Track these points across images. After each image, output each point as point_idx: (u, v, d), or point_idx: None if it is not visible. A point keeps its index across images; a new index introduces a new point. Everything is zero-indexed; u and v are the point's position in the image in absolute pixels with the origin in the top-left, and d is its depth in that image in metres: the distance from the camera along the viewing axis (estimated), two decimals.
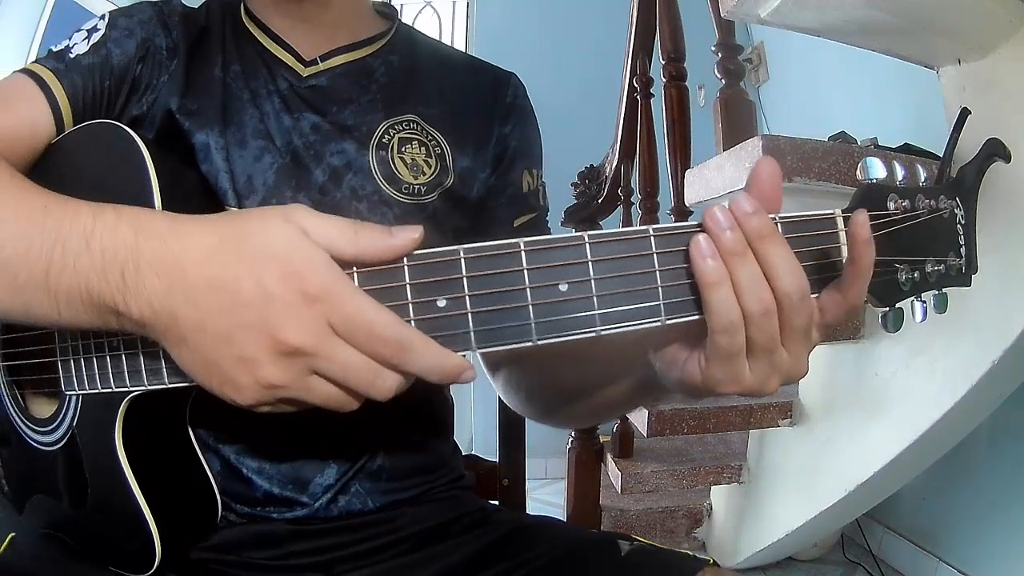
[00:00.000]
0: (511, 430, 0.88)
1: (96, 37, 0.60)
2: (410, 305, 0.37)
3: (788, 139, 1.24)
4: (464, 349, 0.37)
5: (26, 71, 0.58)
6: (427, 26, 3.20)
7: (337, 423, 0.46)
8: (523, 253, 0.36)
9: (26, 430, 0.59)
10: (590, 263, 0.37)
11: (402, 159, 0.63)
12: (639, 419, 1.60)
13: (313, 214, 0.38)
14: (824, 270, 0.39)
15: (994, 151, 0.42)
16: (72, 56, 0.59)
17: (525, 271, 0.36)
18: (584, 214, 2.11)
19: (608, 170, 2.08)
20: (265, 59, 0.64)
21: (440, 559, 0.62)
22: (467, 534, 0.65)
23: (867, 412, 1.39)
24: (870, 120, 2.02)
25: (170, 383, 0.45)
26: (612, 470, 1.84)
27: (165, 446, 0.55)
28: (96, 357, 0.49)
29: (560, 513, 1.92)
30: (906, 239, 0.40)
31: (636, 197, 1.94)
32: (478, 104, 0.69)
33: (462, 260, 0.37)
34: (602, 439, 1.84)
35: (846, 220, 0.39)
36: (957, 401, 1.16)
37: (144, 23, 0.62)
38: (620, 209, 2.11)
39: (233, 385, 0.38)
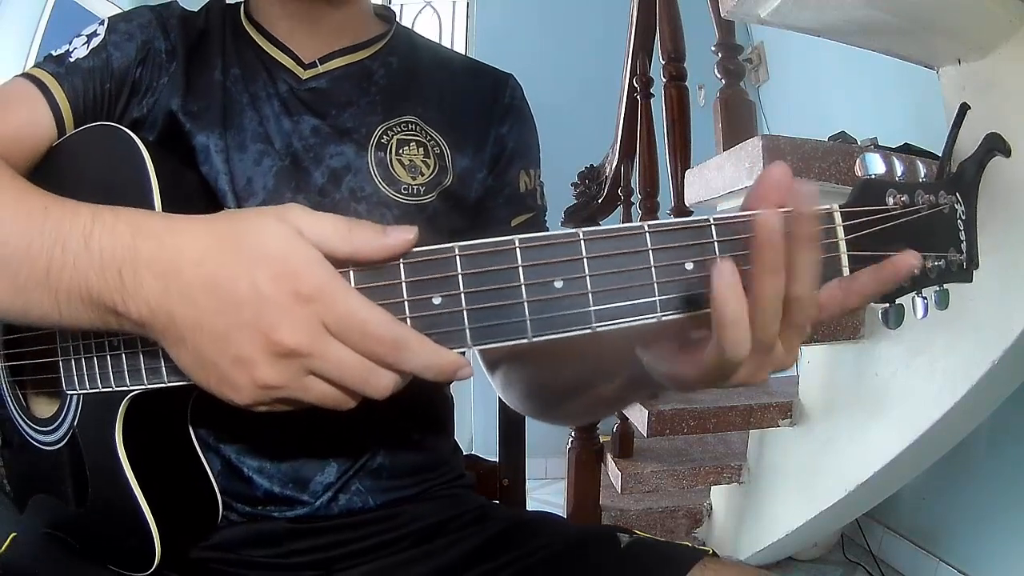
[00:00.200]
0: (511, 430, 0.88)
1: (96, 41, 0.61)
2: (406, 302, 0.37)
3: (788, 139, 1.24)
4: (460, 346, 0.37)
5: (27, 75, 0.59)
6: (427, 26, 3.20)
7: (337, 422, 0.47)
8: (518, 250, 0.36)
9: (27, 430, 0.59)
10: (585, 260, 0.37)
11: (399, 161, 0.63)
12: (639, 419, 1.60)
13: (308, 213, 0.38)
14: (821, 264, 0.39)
15: (994, 145, 0.42)
16: (72, 60, 0.60)
17: (520, 268, 0.36)
18: (584, 214, 2.11)
19: (608, 170, 2.08)
20: (265, 62, 0.65)
21: (440, 554, 0.63)
22: (467, 530, 0.66)
23: (867, 412, 1.39)
24: (870, 120, 2.02)
25: (169, 382, 0.45)
26: (612, 470, 1.84)
27: (166, 445, 0.56)
28: (96, 356, 0.49)
29: (560, 513, 1.92)
30: (906, 234, 0.39)
31: (636, 197, 1.94)
32: (476, 105, 0.69)
33: (457, 257, 0.37)
34: (602, 439, 1.84)
35: (843, 215, 0.39)
36: (957, 401, 1.16)
37: (143, 27, 0.63)
38: (620, 209, 2.11)
39: (230, 385, 0.38)
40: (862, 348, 1.41)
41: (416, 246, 0.38)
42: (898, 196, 0.40)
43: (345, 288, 0.37)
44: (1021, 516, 1.54)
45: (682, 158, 1.67)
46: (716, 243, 0.37)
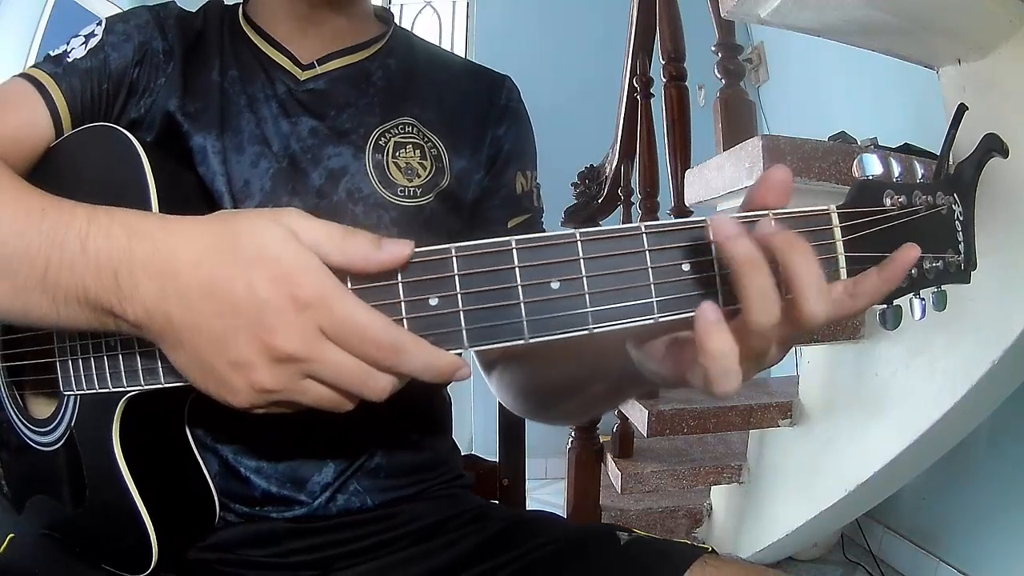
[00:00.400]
0: (511, 430, 0.88)
1: (93, 42, 0.61)
2: (402, 303, 0.37)
3: (788, 139, 1.24)
4: (456, 348, 0.37)
5: (24, 75, 0.59)
6: (427, 26, 3.20)
7: (335, 422, 0.47)
8: (515, 251, 0.36)
9: (25, 431, 0.59)
10: (582, 261, 0.36)
11: (396, 163, 0.63)
12: (639, 419, 1.60)
13: (304, 217, 0.38)
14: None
15: (992, 146, 0.42)
16: (70, 60, 0.60)
17: (517, 269, 0.36)
18: (584, 214, 2.11)
19: (608, 170, 2.08)
20: (262, 63, 0.65)
21: (439, 554, 0.63)
22: (465, 529, 0.66)
23: (867, 412, 1.39)
24: (870, 120, 2.02)
25: (166, 383, 0.45)
26: (612, 470, 1.84)
27: (163, 446, 0.56)
28: (94, 357, 0.49)
29: (560, 513, 1.91)
30: (904, 235, 0.39)
31: (636, 197, 1.94)
32: (473, 107, 0.69)
33: (454, 258, 0.37)
34: (602, 439, 1.84)
35: (841, 216, 0.39)
36: (957, 401, 1.16)
37: (141, 27, 0.63)
38: (620, 209, 2.11)
39: (227, 388, 0.38)
40: (862, 348, 1.40)
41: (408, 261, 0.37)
42: (896, 197, 0.40)
43: (342, 293, 0.36)
44: (1021, 516, 1.54)
45: (682, 158, 1.66)
46: (713, 244, 0.37)
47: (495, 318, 0.37)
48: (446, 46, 3.09)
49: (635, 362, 0.44)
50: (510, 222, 0.69)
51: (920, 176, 0.41)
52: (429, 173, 0.64)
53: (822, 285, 0.35)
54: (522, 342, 0.37)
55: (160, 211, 0.49)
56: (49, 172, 0.57)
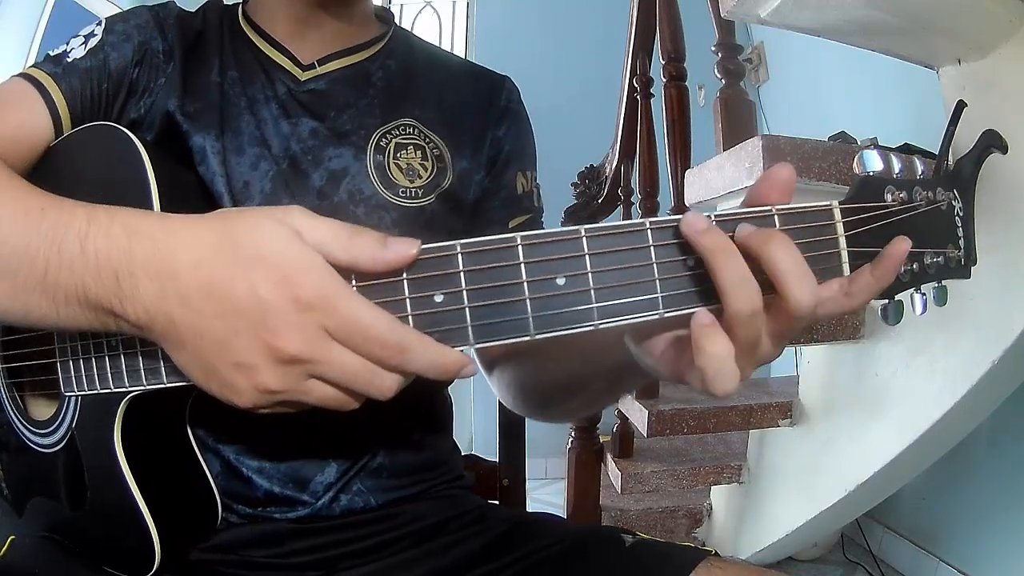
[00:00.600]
0: (511, 430, 0.88)
1: (93, 42, 0.61)
2: (407, 300, 0.37)
3: (788, 139, 1.24)
4: (462, 344, 0.37)
5: (23, 75, 0.59)
6: (427, 26, 3.20)
7: (337, 422, 0.47)
8: (520, 247, 0.36)
9: (26, 432, 0.59)
10: (587, 256, 0.36)
11: (397, 164, 0.63)
12: (639, 419, 1.60)
13: (308, 216, 0.37)
14: (820, 262, 0.39)
15: (991, 142, 0.42)
16: (70, 60, 0.60)
17: (522, 265, 0.36)
18: (584, 214, 2.11)
19: (608, 170, 2.08)
20: (262, 63, 0.65)
21: (442, 554, 0.63)
22: (468, 529, 0.66)
23: (867, 412, 1.39)
24: (870, 120, 2.02)
25: (168, 383, 0.45)
26: (612, 470, 1.84)
27: (164, 447, 0.55)
28: (95, 357, 0.49)
29: (560, 513, 1.92)
30: (904, 231, 0.39)
31: (636, 197, 1.94)
32: (473, 107, 0.69)
33: (459, 255, 0.36)
34: (602, 439, 1.84)
35: (843, 212, 0.39)
36: (957, 401, 1.16)
37: (140, 27, 0.63)
38: (620, 209, 2.11)
39: (231, 389, 0.38)
40: (862, 348, 1.41)
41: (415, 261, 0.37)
42: (896, 193, 0.40)
43: (347, 292, 0.36)
44: (1021, 516, 1.54)
45: (682, 158, 1.66)
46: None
47: (501, 314, 0.36)
48: (446, 46, 3.09)
49: (634, 356, 0.44)
50: (511, 222, 0.69)
51: (920, 172, 0.41)
52: (431, 174, 0.64)
53: (804, 272, 0.36)
54: (528, 338, 0.36)
55: (162, 210, 0.48)
56: (49, 171, 0.57)
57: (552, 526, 0.65)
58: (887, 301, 0.41)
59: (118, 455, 0.50)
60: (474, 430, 2.62)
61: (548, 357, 0.60)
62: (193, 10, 0.67)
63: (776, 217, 0.38)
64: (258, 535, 0.61)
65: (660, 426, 1.55)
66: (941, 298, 0.42)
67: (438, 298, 0.37)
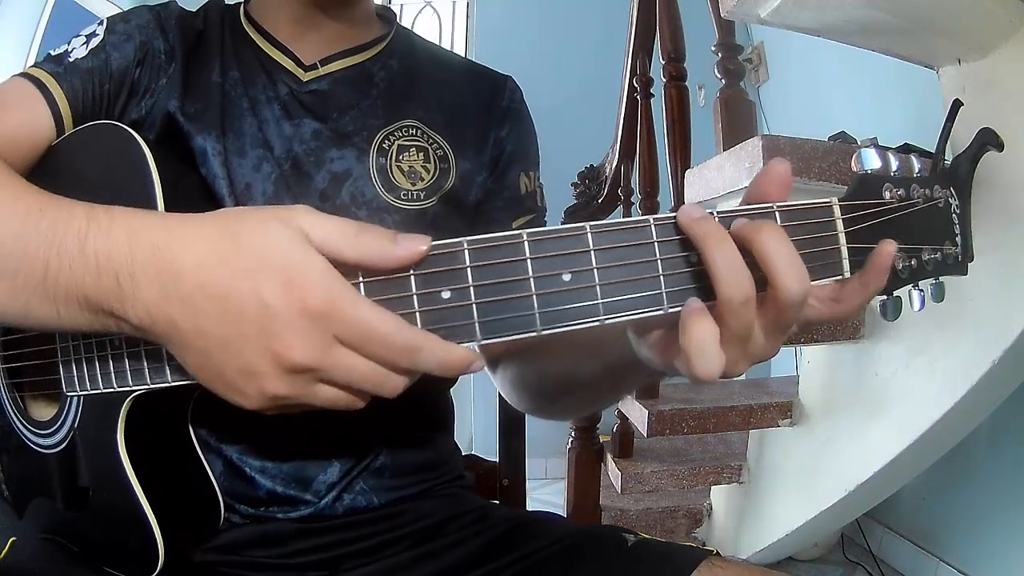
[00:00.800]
0: (511, 430, 0.88)
1: (95, 42, 0.61)
2: (414, 296, 0.37)
3: (788, 139, 1.24)
4: (469, 340, 0.37)
5: (25, 75, 0.59)
6: (427, 26, 3.20)
7: (340, 421, 0.46)
8: (526, 243, 0.36)
9: (26, 433, 0.59)
10: (592, 253, 0.37)
11: (399, 167, 0.63)
12: (639, 419, 1.60)
13: (314, 215, 0.37)
14: (820, 258, 0.39)
15: (987, 140, 0.43)
16: (71, 60, 0.59)
17: (528, 261, 0.36)
18: (584, 214, 2.11)
19: (608, 170, 2.08)
20: (264, 64, 0.65)
21: (445, 554, 0.63)
22: (470, 529, 0.66)
23: (867, 412, 1.39)
24: (870, 120, 2.02)
25: (173, 381, 0.45)
26: (612, 470, 1.84)
27: (167, 447, 0.55)
28: (98, 357, 0.49)
29: (560, 513, 1.92)
30: (902, 227, 0.40)
31: (636, 197, 1.94)
32: (476, 108, 0.69)
33: (466, 251, 0.36)
34: (602, 439, 1.84)
35: (842, 208, 0.39)
36: (957, 401, 1.16)
37: (142, 27, 0.62)
38: (620, 209, 2.11)
39: (237, 392, 0.38)
40: (862, 348, 1.41)
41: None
42: (894, 190, 0.40)
43: (354, 297, 0.36)
44: (1021, 516, 1.54)
45: (682, 158, 1.67)
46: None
47: (507, 311, 0.37)
48: (446, 46, 3.08)
49: (633, 346, 0.44)
50: (514, 223, 0.69)
51: (917, 170, 0.42)
52: (433, 176, 0.64)
53: (794, 260, 0.36)
54: (534, 334, 0.37)
55: (166, 210, 0.48)
56: (51, 171, 0.57)
57: (553, 526, 0.65)
58: (885, 297, 0.42)
59: (121, 455, 0.50)
60: (474, 430, 2.63)
61: (551, 353, 0.60)
62: (194, 10, 0.67)
63: (777, 214, 0.38)
64: (261, 535, 0.61)
65: (660, 426, 1.55)
66: (939, 294, 0.43)
67: (445, 294, 0.37)
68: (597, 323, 0.37)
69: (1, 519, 0.62)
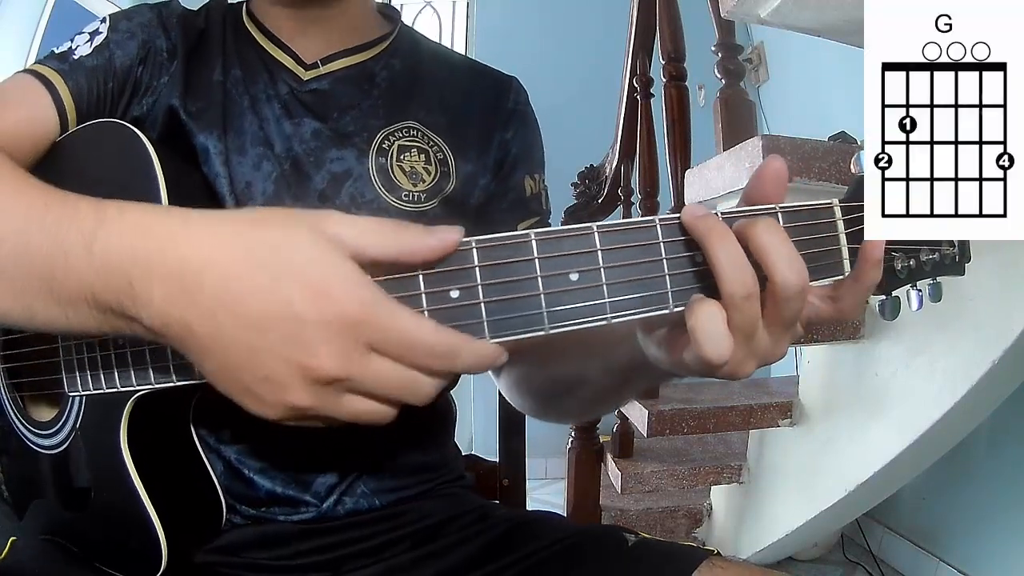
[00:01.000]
0: (511, 429, 0.88)
1: (99, 40, 0.60)
2: (423, 295, 0.37)
3: (788, 139, 1.24)
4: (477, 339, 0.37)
5: (30, 71, 0.58)
6: (427, 26, 3.20)
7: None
8: (534, 243, 0.37)
9: (27, 433, 0.59)
10: (599, 252, 0.37)
11: (400, 167, 0.63)
12: (639, 419, 1.60)
13: (346, 221, 0.35)
14: (822, 258, 0.39)
15: None
16: (76, 58, 0.59)
17: (536, 260, 0.37)
18: (584, 214, 2.11)
19: (608, 170, 2.08)
20: (266, 62, 0.64)
21: (447, 554, 0.62)
22: (471, 528, 0.66)
23: (867, 412, 1.39)
24: None
25: (178, 381, 0.44)
26: (612, 470, 1.84)
27: (169, 447, 0.55)
28: (101, 356, 0.49)
29: (560, 513, 1.91)
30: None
31: (636, 197, 1.94)
32: (480, 109, 0.68)
33: (474, 250, 0.37)
34: (602, 439, 1.84)
35: (843, 210, 0.40)
36: (957, 401, 1.16)
37: (144, 25, 0.62)
38: (620, 209, 2.11)
39: (258, 401, 0.36)
40: (862, 348, 1.41)
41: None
42: None
43: (389, 305, 0.34)
44: (1021, 516, 1.55)
45: (682, 158, 1.67)
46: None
47: (515, 309, 0.37)
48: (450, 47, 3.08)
49: (641, 344, 0.44)
50: (519, 225, 0.68)
51: None
52: (434, 178, 0.64)
53: (789, 251, 0.36)
54: (542, 333, 0.37)
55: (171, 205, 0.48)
56: (54, 168, 0.56)
57: (553, 526, 0.65)
58: (884, 297, 0.42)
59: (124, 456, 0.50)
60: (474, 430, 2.63)
61: (560, 354, 0.60)
62: (196, 9, 0.67)
63: (780, 215, 0.39)
64: (262, 536, 0.61)
65: (660, 426, 1.55)
66: (936, 295, 0.43)
67: (454, 293, 0.37)
68: (604, 322, 0.37)
69: (1, 520, 0.62)
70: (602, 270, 0.37)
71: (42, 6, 2.47)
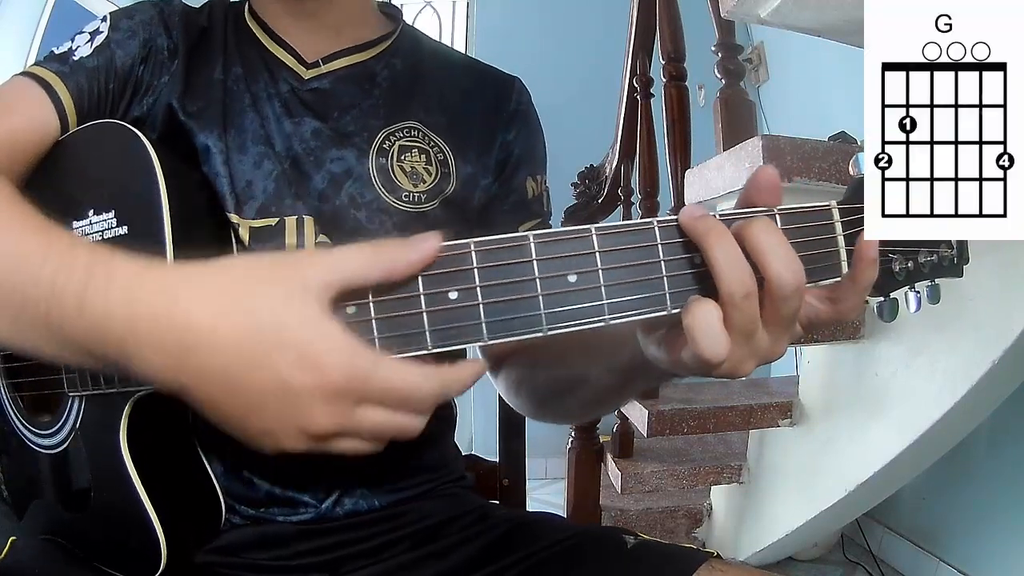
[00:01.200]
0: (511, 430, 0.88)
1: (99, 39, 0.60)
2: (422, 297, 0.37)
3: (788, 139, 1.24)
4: (477, 340, 0.38)
5: (29, 74, 0.58)
6: (427, 26, 3.20)
7: None
8: (532, 245, 0.37)
9: (26, 433, 0.59)
10: (597, 254, 0.37)
11: (401, 167, 0.63)
12: (639, 419, 1.60)
13: (325, 263, 0.36)
14: (820, 260, 0.40)
15: None
16: (76, 58, 0.59)
17: (535, 262, 0.37)
18: (584, 214, 2.11)
19: (608, 170, 2.08)
20: (267, 61, 0.64)
21: (447, 555, 0.62)
22: (471, 529, 0.65)
23: (867, 412, 1.39)
24: None
25: None
26: (612, 470, 1.84)
27: (169, 447, 0.55)
28: None
29: (560, 513, 1.92)
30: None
31: (636, 197, 1.94)
32: (481, 110, 0.68)
33: (473, 252, 0.37)
34: (602, 439, 1.84)
35: (842, 212, 0.40)
36: (957, 401, 1.16)
37: (145, 24, 0.62)
38: (620, 209, 2.11)
39: (256, 443, 0.39)
40: (862, 348, 1.41)
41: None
42: None
43: (374, 365, 0.36)
44: (1021, 516, 1.55)
45: (682, 158, 1.67)
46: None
47: (514, 311, 0.37)
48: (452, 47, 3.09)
49: (640, 345, 0.44)
50: (520, 227, 0.68)
51: None
52: (434, 179, 0.63)
53: (786, 251, 0.37)
54: (540, 334, 0.37)
55: (170, 209, 0.48)
56: (54, 169, 0.56)
57: (553, 526, 0.65)
58: (882, 299, 0.42)
59: (124, 456, 0.50)
60: (474, 430, 2.63)
61: (556, 355, 0.60)
62: (198, 6, 0.67)
63: (778, 217, 0.39)
64: (261, 537, 0.61)
65: (660, 426, 1.55)
66: (934, 296, 0.43)
67: (452, 295, 0.37)
68: (602, 323, 0.38)
69: (1, 520, 0.62)
70: (600, 272, 0.37)
71: (42, 6, 2.46)
